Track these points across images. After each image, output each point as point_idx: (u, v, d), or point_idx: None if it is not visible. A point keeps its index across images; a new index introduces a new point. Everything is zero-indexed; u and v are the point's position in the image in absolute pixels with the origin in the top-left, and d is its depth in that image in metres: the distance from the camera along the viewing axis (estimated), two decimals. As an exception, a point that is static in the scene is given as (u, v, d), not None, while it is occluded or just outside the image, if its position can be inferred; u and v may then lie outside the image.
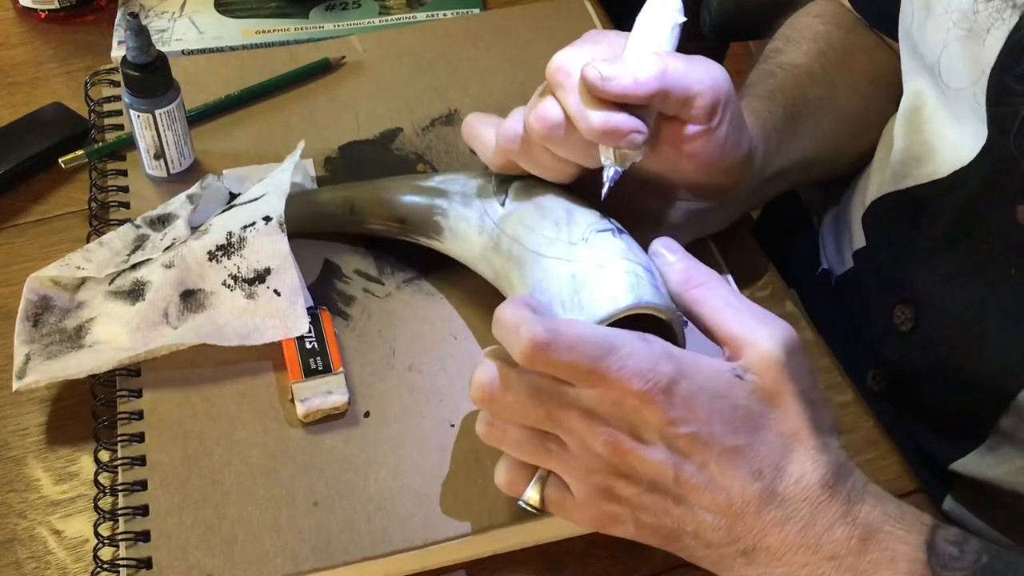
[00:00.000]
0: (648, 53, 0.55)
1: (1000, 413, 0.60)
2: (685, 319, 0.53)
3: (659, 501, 0.49)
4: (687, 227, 0.64)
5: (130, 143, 0.74)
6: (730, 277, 0.68)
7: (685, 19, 0.57)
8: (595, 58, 0.54)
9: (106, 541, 0.55)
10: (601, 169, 0.56)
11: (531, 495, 0.52)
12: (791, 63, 0.71)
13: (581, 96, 0.53)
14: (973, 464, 0.63)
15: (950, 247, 0.62)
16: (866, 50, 0.72)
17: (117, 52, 0.84)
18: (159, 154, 0.72)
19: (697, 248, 0.64)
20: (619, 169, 0.55)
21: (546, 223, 0.57)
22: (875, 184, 0.70)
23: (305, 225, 0.67)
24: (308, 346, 0.61)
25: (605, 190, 0.55)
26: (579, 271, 0.54)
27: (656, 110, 0.55)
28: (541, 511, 0.52)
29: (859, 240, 0.72)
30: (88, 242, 0.67)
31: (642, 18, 0.57)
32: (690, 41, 0.59)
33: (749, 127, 0.62)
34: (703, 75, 0.55)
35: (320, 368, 0.60)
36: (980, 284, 0.60)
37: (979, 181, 0.59)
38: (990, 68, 0.56)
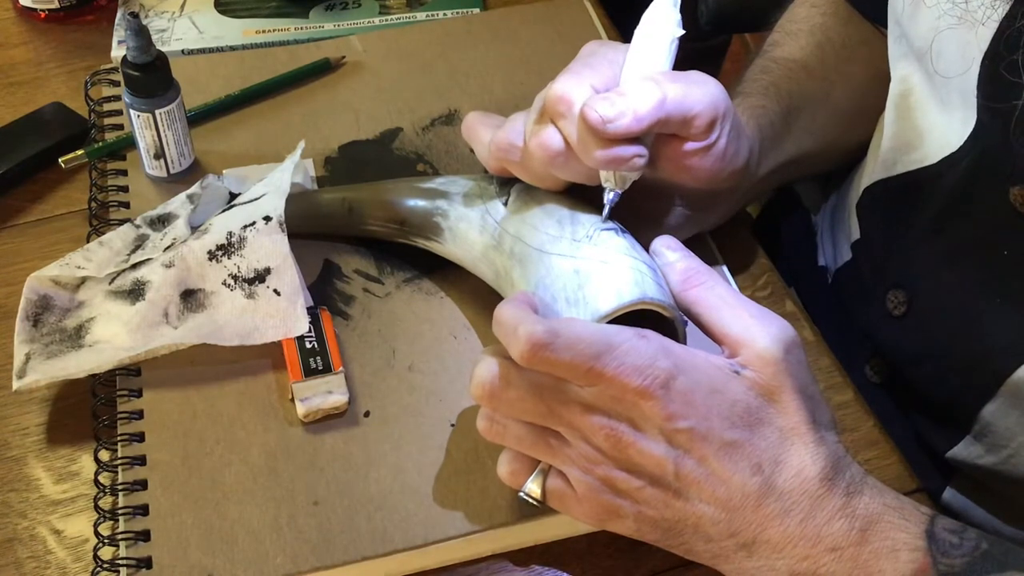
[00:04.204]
0: (645, 81, 0.55)
1: (987, 399, 0.60)
2: (685, 318, 0.54)
3: (659, 495, 0.50)
4: (684, 226, 0.64)
5: (130, 143, 0.74)
6: (725, 268, 0.68)
7: (684, 32, 0.57)
8: (594, 84, 0.55)
9: (106, 540, 0.55)
10: (600, 187, 0.57)
11: (532, 488, 0.52)
12: (788, 57, 0.72)
13: (581, 129, 0.54)
14: (965, 452, 0.63)
15: (941, 231, 0.62)
16: (864, 41, 0.72)
17: (117, 52, 0.84)
18: (159, 154, 0.72)
19: (692, 239, 0.64)
20: (618, 192, 0.56)
21: (550, 221, 0.58)
22: (868, 172, 0.71)
23: (305, 225, 0.67)
24: (308, 346, 0.61)
25: (607, 211, 0.56)
26: (583, 267, 0.54)
27: (655, 131, 0.56)
28: (542, 504, 0.53)
29: (856, 231, 0.72)
30: (88, 242, 0.67)
31: (640, 33, 0.57)
32: (689, 41, 0.59)
33: (744, 126, 0.63)
34: (700, 95, 0.55)
35: (320, 368, 0.60)
36: (971, 267, 0.60)
37: (969, 166, 0.60)
38: (982, 56, 0.56)
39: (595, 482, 0.50)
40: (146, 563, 0.54)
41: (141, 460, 0.58)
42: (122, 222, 0.68)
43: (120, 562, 0.55)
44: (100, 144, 0.75)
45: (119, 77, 0.77)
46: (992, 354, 0.59)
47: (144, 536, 0.55)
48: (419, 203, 0.65)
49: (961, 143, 0.60)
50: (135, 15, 0.66)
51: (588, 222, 0.56)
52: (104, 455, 0.59)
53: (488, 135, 0.60)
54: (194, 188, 0.68)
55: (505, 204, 0.61)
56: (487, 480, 0.57)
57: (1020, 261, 0.58)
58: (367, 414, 0.60)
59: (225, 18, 0.88)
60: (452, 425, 0.60)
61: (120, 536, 0.55)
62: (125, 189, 0.73)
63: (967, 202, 0.60)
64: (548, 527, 0.57)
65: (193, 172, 0.73)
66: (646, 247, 0.56)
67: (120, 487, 0.57)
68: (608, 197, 0.56)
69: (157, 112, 0.69)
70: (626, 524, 0.51)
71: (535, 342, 0.47)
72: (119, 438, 0.59)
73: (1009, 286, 0.58)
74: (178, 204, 0.68)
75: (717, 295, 0.53)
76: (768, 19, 0.78)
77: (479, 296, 0.65)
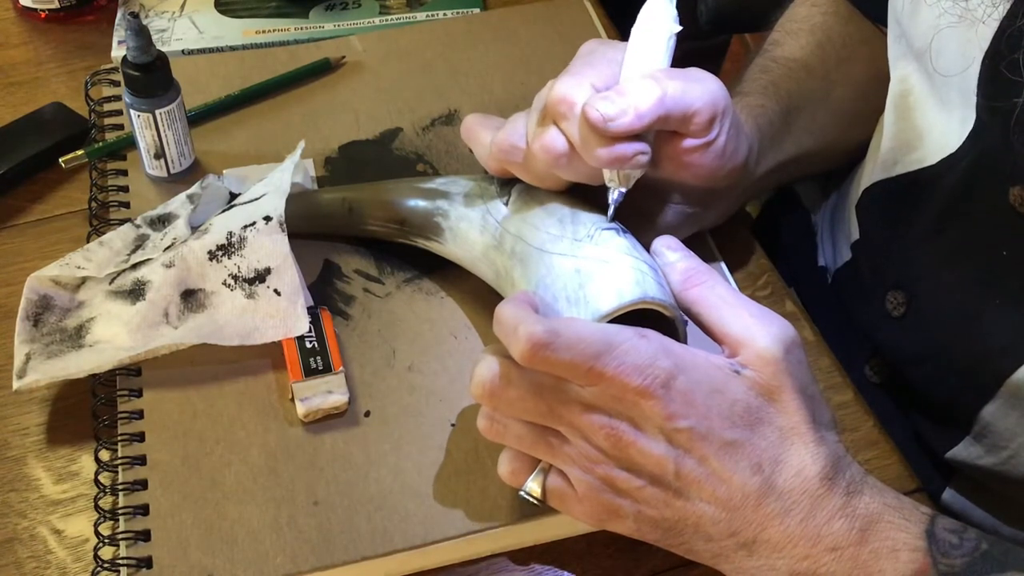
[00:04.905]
0: (646, 79, 0.55)
1: (987, 400, 0.60)
2: (685, 318, 0.54)
3: (660, 495, 0.50)
4: (683, 225, 0.64)
5: (130, 143, 0.74)
6: (723, 265, 0.68)
7: (681, 28, 0.57)
8: (594, 84, 0.55)
9: (106, 540, 0.55)
10: (602, 187, 0.57)
11: (532, 487, 0.52)
12: (788, 57, 0.72)
13: (583, 129, 0.54)
14: (965, 453, 0.63)
15: (941, 231, 0.62)
16: (865, 41, 0.72)
17: (117, 52, 0.84)
18: (159, 154, 0.72)
19: (691, 238, 0.64)
20: (623, 190, 0.56)
21: (551, 221, 0.58)
22: (868, 172, 0.71)
23: (305, 225, 0.67)
24: (308, 346, 0.61)
25: (611, 211, 0.57)
26: (584, 267, 0.54)
27: (656, 128, 0.56)
28: (542, 503, 0.53)
29: (856, 231, 0.72)
30: (88, 242, 0.67)
31: (637, 30, 0.57)
32: (689, 40, 0.59)
33: (744, 124, 0.63)
34: (700, 92, 0.56)
35: (320, 368, 0.60)
36: (971, 267, 0.60)
37: (969, 166, 0.60)
38: (982, 55, 0.56)
39: (595, 481, 0.50)
40: (146, 563, 0.54)
41: (141, 460, 0.58)
42: (122, 222, 0.68)
43: (120, 562, 0.55)
44: (100, 144, 0.75)
45: (119, 77, 0.77)
46: (992, 354, 0.59)
47: (144, 536, 0.55)
48: (419, 203, 0.65)
49: (961, 143, 0.60)
50: (135, 15, 0.66)
51: (589, 221, 0.57)
52: (104, 455, 0.59)
53: (488, 137, 0.60)
54: (194, 188, 0.68)
55: (506, 204, 0.61)
56: (487, 480, 0.57)
57: (1020, 261, 0.58)
58: (367, 414, 0.60)
59: (225, 18, 0.88)
60: (452, 425, 0.60)
61: (120, 536, 0.55)
62: (125, 189, 0.73)
63: (967, 202, 0.60)
64: (548, 527, 0.57)
65: (193, 172, 0.73)
66: (646, 246, 0.56)
67: (120, 487, 0.57)
68: (613, 196, 0.56)
69: (157, 112, 0.69)
70: (626, 524, 0.51)
71: (535, 342, 0.47)
72: (119, 438, 0.59)
73: (1009, 286, 0.58)
74: (178, 204, 0.68)
75: (717, 295, 0.53)
76: (768, 19, 0.78)
77: (479, 296, 0.65)
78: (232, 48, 0.86)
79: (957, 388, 0.62)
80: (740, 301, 0.52)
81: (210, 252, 0.62)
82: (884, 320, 0.67)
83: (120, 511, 0.56)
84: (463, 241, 0.63)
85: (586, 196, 0.59)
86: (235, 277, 0.62)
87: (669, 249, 0.55)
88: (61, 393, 0.63)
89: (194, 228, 0.65)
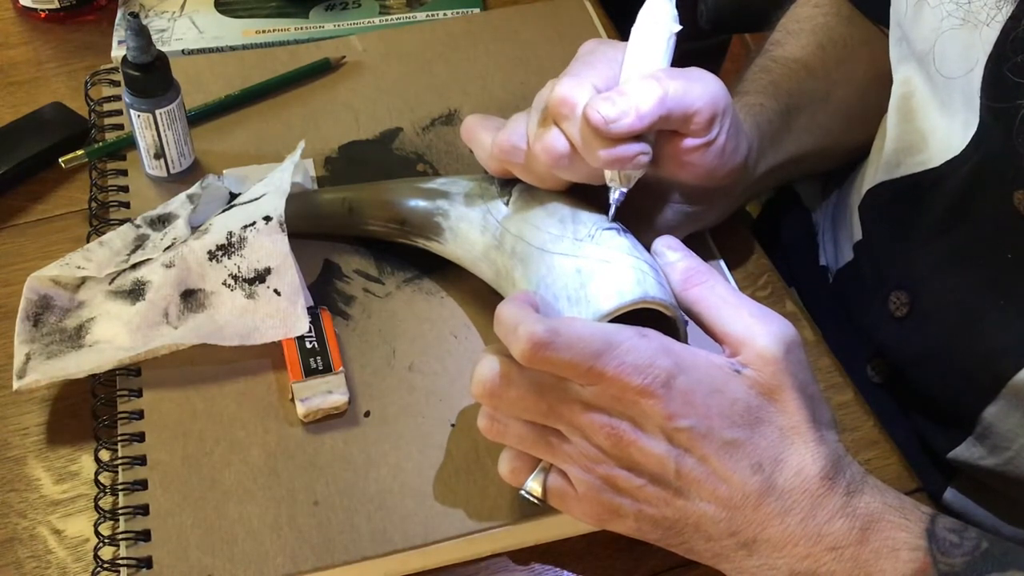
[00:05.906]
0: (646, 79, 0.55)
1: (989, 401, 0.60)
2: (686, 318, 0.54)
3: (660, 494, 0.50)
4: (683, 224, 0.64)
5: (130, 143, 0.74)
6: (722, 262, 0.68)
7: (681, 28, 0.57)
8: (595, 84, 0.55)
9: (106, 540, 0.55)
10: (603, 187, 0.57)
11: (533, 486, 0.52)
12: (788, 57, 0.72)
13: (584, 130, 0.54)
14: (967, 454, 0.63)
15: (944, 233, 0.63)
16: (866, 41, 0.72)
17: (117, 52, 0.84)
18: (159, 154, 0.72)
19: (690, 236, 0.64)
20: (624, 190, 0.56)
21: (551, 221, 0.58)
22: (871, 173, 0.71)
23: (305, 225, 0.67)
24: (308, 346, 0.61)
25: (612, 211, 0.57)
26: (585, 266, 0.54)
27: (657, 128, 0.56)
28: (542, 502, 0.53)
29: (858, 232, 0.72)
30: (88, 242, 0.67)
31: (637, 30, 0.57)
32: (689, 40, 0.59)
33: (743, 123, 0.63)
34: (701, 91, 0.56)
35: (320, 368, 0.60)
36: (974, 269, 0.60)
37: (972, 169, 0.60)
38: (986, 58, 0.56)
39: (596, 481, 0.50)
40: (146, 563, 0.54)
41: (141, 460, 0.58)
42: (122, 222, 0.68)
43: (120, 562, 0.55)
44: (100, 144, 0.75)
45: (119, 77, 0.77)
46: (994, 356, 0.59)
47: (144, 536, 0.55)
48: (420, 203, 0.65)
49: (964, 146, 0.60)
50: (135, 15, 0.66)
51: (590, 221, 0.57)
52: (104, 455, 0.59)
53: (489, 138, 0.60)
54: (194, 188, 0.68)
55: (506, 204, 0.61)
56: (487, 480, 0.57)
57: (1023, 264, 0.58)
58: (367, 414, 0.60)
59: (225, 18, 0.88)
60: (452, 425, 0.60)
61: (120, 536, 0.55)
62: (125, 189, 0.73)
63: (971, 205, 0.60)
64: (548, 527, 0.57)
65: (193, 172, 0.73)
66: (646, 245, 0.56)
67: (120, 487, 0.57)
68: (614, 196, 0.56)
69: (157, 112, 0.69)
70: (627, 523, 0.51)
71: (536, 341, 0.47)
72: (119, 438, 0.59)
73: (1012, 288, 0.58)
74: (178, 204, 0.68)
75: (718, 294, 0.53)
76: (768, 19, 0.78)
77: (479, 296, 0.65)
78: (232, 48, 0.86)
79: (959, 389, 0.62)
80: (740, 301, 0.52)
81: (210, 252, 0.62)
82: (886, 321, 0.67)
83: (120, 511, 0.56)
84: (463, 241, 0.63)
85: (587, 196, 0.59)
86: (235, 277, 0.62)
87: (669, 249, 0.55)
88: (61, 393, 0.63)
89: (194, 228, 0.65)
